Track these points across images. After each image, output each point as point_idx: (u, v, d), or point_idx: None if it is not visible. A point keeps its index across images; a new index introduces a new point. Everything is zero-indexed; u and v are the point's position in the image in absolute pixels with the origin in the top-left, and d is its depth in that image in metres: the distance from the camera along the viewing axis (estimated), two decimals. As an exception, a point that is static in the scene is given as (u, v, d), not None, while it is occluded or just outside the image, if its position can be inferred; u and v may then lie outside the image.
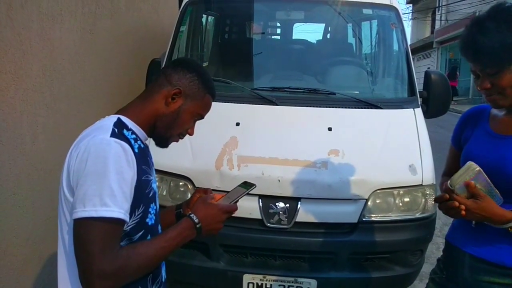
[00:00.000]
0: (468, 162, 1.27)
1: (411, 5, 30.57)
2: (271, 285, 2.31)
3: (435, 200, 1.34)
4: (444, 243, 1.55)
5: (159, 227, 1.23)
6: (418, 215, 2.39)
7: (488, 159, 1.29)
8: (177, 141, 1.27)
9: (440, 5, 25.23)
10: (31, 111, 2.28)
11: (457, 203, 1.25)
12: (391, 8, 3.19)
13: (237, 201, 1.27)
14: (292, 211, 2.30)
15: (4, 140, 2.06)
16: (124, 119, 1.15)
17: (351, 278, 2.35)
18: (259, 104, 2.66)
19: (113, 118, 1.14)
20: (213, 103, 2.96)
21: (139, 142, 1.14)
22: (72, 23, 2.66)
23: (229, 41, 4.00)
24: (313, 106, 2.67)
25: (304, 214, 2.31)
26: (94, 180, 0.99)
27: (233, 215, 2.42)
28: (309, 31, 4.65)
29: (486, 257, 1.33)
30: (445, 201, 1.29)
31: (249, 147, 2.42)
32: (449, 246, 1.50)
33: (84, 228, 0.98)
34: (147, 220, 1.13)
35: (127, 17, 3.59)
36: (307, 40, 4.05)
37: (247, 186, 1.34)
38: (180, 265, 2.38)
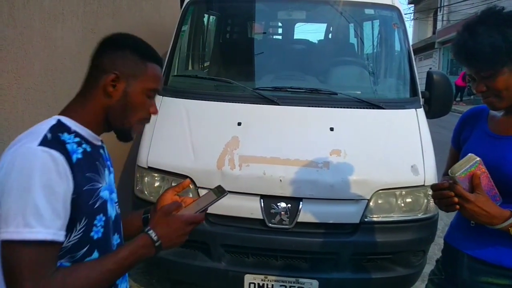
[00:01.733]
0: (468, 154, 1.26)
1: (413, 5, 30.53)
2: (272, 285, 2.31)
3: (432, 186, 1.32)
4: (443, 244, 1.54)
5: (114, 238, 1.09)
6: (420, 215, 2.38)
7: (487, 160, 1.28)
8: (141, 129, 1.13)
9: (442, 5, 25.19)
10: (33, 110, 2.28)
11: (451, 193, 1.23)
12: (393, 8, 3.18)
13: (206, 209, 1.13)
14: (293, 211, 2.30)
15: (5, 139, 2.06)
16: (66, 120, 1.01)
17: (353, 278, 2.35)
18: (260, 104, 2.65)
19: (52, 120, 0.99)
20: (215, 103, 2.94)
21: (84, 145, 1.01)
22: (74, 22, 2.66)
23: (230, 40, 4.00)
24: (315, 106, 2.66)
25: (306, 214, 2.30)
26: (17, 196, 0.87)
27: (234, 215, 2.43)
28: (310, 31, 4.65)
29: (485, 258, 1.33)
30: (441, 190, 1.26)
31: (251, 147, 2.42)
32: (448, 247, 1.49)
33: (8, 252, 0.86)
34: (92, 234, 0.99)
35: (129, 16, 3.58)
36: (308, 40, 4.04)
37: (219, 193, 1.17)
38: (181, 265, 2.38)
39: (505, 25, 1.24)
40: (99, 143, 1.10)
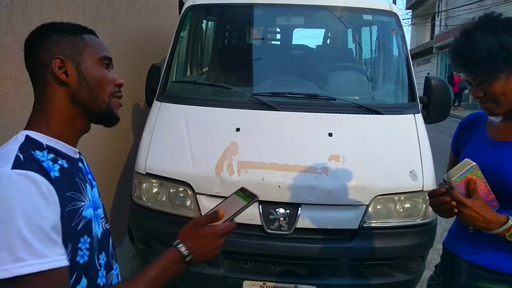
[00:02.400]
0: (464, 159, 1.27)
1: (411, 10, 30.70)
2: (271, 291, 2.30)
3: (429, 193, 1.32)
4: (442, 249, 1.54)
5: (101, 257, 1.00)
6: (419, 221, 2.38)
7: (485, 165, 1.29)
8: (120, 105, 1.02)
9: (440, 10, 25.33)
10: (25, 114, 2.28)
11: (449, 198, 1.23)
12: (391, 14, 3.20)
13: (236, 216, 1.01)
14: (292, 217, 2.29)
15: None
16: (35, 135, 0.90)
17: (352, 284, 2.34)
18: (259, 109, 2.66)
19: (20, 137, 0.88)
20: (213, 109, 2.93)
21: (60, 161, 0.90)
22: (73, 29, 2.67)
23: (229, 46, 4.01)
24: (314, 112, 2.66)
25: (305, 220, 2.30)
26: None
27: (233, 221, 2.41)
28: (309, 37, 4.66)
29: (483, 263, 1.33)
30: (438, 196, 1.27)
31: (249, 153, 2.42)
32: (447, 252, 1.50)
33: None
34: (78, 259, 0.89)
35: (128, 22, 3.60)
36: (307, 46, 4.06)
37: (246, 196, 1.06)
38: (179, 271, 2.36)
39: (502, 32, 1.25)
40: (77, 156, 1.00)
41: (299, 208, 2.30)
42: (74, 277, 0.88)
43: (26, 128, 0.92)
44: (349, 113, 2.68)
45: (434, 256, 3.16)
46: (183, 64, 3.43)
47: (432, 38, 27.34)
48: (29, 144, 0.87)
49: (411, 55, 3.16)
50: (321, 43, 4.19)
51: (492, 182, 1.28)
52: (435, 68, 25.03)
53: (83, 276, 0.91)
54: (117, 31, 3.33)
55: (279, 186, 2.29)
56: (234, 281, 2.33)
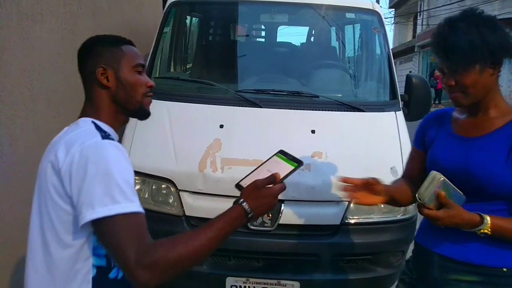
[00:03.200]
0: (431, 173, 1.29)
1: (394, 9, 31.08)
2: (254, 287, 2.31)
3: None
4: (414, 244, 1.58)
5: None
6: (399, 216, 2.42)
7: (453, 161, 1.33)
8: (150, 102, 1.24)
9: (422, 10, 25.72)
10: (9, 112, 2.23)
11: (430, 214, 1.28)
12: (374, 13, 3.23)
13: (286, 179, 1.14)
14: (275, 213, 2.31)
15: (-20, 141, 2.01)
16: (96, 121, 1.15)
17: (334, 279, 2.37)
18: (243, 106, 2.66)
19: (88, 121, 1.13)
20: (197, 105, 2.92)
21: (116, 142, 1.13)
22: (53, 22, 2.62)
23: (213, 43, 3.99)
24: (297, 109, 2.68)
25: (287, 216, 2.31)
26: (99, 181, 0.97)
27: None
28: (293, 34, 4.68)
29: (454, 256, 1.37)
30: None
31: (233, 149, 2.42)
32: (419, 247, 1.53)
33: (105, 228, 0.96)
34: None
35: (110, 17, 3.54)
36: (291, 43, 4.07)
37: (290, 160, 1.17)
38: (162, 268, 2.35)
39: (484, 26, 1.29)
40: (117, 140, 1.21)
41: (282, 204, 2.31)
42: None
43: (83, 115, 1.17)
44: (331, 110, 2.70)
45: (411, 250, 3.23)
46: (167, 60, 3.40)
47: (414, 37, 27.76)
48: (98, 128, 1.11)
49: (393, 53, 3.21)
50: (305, 41, 4.21)
51: (461, 177, 1.32)
52: (417, 66, 25.43)
53: None
54: (99, 26, 3.28)
55: (263, 183, 2.29)
56: (217, 278, 2.33)
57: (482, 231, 1.25)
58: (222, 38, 4.02)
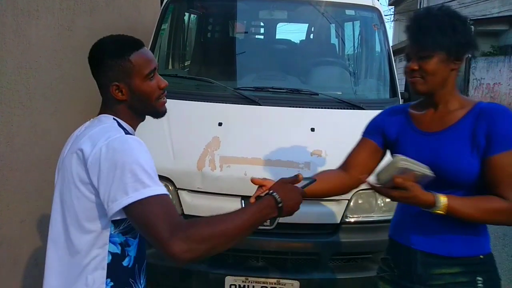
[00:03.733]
0: (395, 157, 1.29)
1: (393, 7, 31.03)
2: (253, 286, 2.29)
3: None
4: (389, 241, 1.58)
5: None
6: (399, 215, 2.41)
7: (423, 157, 1.34)
8: (165, 102, 1.28)
9: (422, 7, 25.67)
10: (6, 110, 2.20)
11: (383, 192, 1.32)
12: (374, 9, 3.21)
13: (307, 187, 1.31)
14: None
15: (-24, 140, 1.99)
16: (117, 118, 1.19)
17: (334, 278, 2.35)
18: (242, 104, 2.64)
19: (110, 118, 1.19)
20: (195, 103, 2.89)
21: None
22: (50, 19, 2.58)
23: (211, 40, 3.96)
24: (296, 107, 2.66)
25: (287, 215, 2.29)
26: (129, 170, 1.03)
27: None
28: (292, 31, 4.65)
29: (436, 252, 1.41)
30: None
31: (232, 148, 2.40)
32: (396, 245, 1.52)
33: (139, 211, 1.01)
34: None
35: (107, 13, 3.51)
36: (290, 40, 4.04)
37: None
38: (161, 267, 2.33)
39: (459, 20, 1.37)
40: None
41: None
42: None
43: (103, 112, 1.21)
44: (331, 108, 2.68)
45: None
46: (165, 57, 3.37)
47: (413, 34, 27.65)
48: (120, 125, 1.16)
49: (393, 51, 3.18)
50: (304, 38, 4.18)
51: (444, 174, 1.34)
52: (416, 64, 25.37)
53: None
54: (96, 22, 3.24)
55: (262, 181, 2.27)
56: (216, 277, 2.31)
57: (436, 212, 1.29)
58: (221, 35, 3.99)
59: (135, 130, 1.26)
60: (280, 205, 1.15)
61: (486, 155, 1.32)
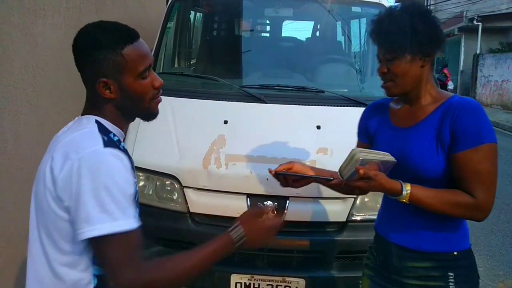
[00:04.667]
0: (351, 151, 1.31)
1: (400, 4, 30.78)
2: (259, 284, 2.29)
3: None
4: (375, 232, 1.63)
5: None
6: (406, 213, 2.39)
7: (393, 152, 1.36)
8: (159, 102, 1.14)
9: (428, 4, 25.46)
10: (13, 108, 2.22)
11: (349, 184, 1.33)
12: (380, 6, 3.18)
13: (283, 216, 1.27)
14: (280, 210, 2.28)
15: (-16, 138, 2.00)
16: (101, 120, 1.06)
17: (340, 277, 2.34)
18: (247, 102, 2.63)
19: (91, 120, 1.05)
20: (201, 101, 2.89)
21: (122, 144, 1.07)
22: (56, 18, 2.60)
23: (217, 38, 3.96)
24: (302, 104, 2.65)
25: (293, 213, 2.29)
26: (97, 196, 0.93)
27: (220, 214, 2.40)
28: (298, 29, 4.63)
29: (408, 245, 1.43)
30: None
31: (237, 146, 2.39)
32: (378, 236, 1.58)
33: (102, 246, 0.95)
34: None
35: (113, 12, 3.52)
36: (296, 38, 4.03)
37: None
38: (167, 265, 2.34)
39: (418, 16, 1.35)
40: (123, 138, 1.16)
41: (287, 201, 2.29)
42: None
43: (87, 112, 1.08)
44: (337, 105, 2.66)
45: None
46: (170, 55, 3.37)
47: (420, 31, 27.44)
48: (102, 128, 1.04)
49: (399, 48, 3.15)
50: (310, 36, 4.16)
51: (401, 167, 1.35)
52: (423, 61, 25.17)
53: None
54: (102, 21, 3.26)
55: (267, 179, 2.27)
56: (222, 275, 2.31)
57: (401, 200, 1.31)
58: (226, 33, 3.98)
59: (125, 129, 1.14)
60: (242, 240, 1.11)
61: (451, 152, 1.32)
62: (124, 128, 1.14)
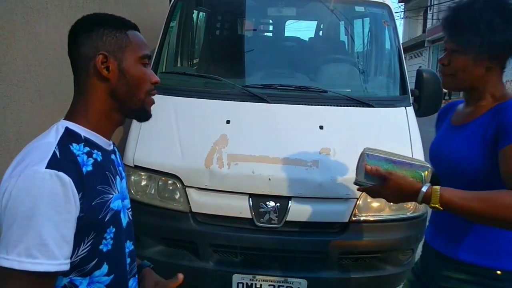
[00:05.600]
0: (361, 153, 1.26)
1: (403, 3, 30.70)
2: (261, 285, 2.28)
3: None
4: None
5: (127, 245, 1.07)
6: (409, 214, 2.38)
7: (442, 150, 1.34)
8: (153, 102, 1.06)
9: (432, 4, 25.37)
10: (15, 107, 2.22)
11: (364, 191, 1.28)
12: (384, 6, 3.17)
13: None
14: (282, 210, 2.28)
15: (-14, 137, 2.00)
16: (74, 126, 0.96)
17: (342, 278, 2.33)
18: (250, 101, 2.62)
19: (60, 129, 0.94)
20: (203, 100, 2.89)
21: (95, 154, 0.96)
22: (59, 17, 2.60)
23: (220, 37, 3.96)
24: (305, 104, 2.64)
25: (295, 213, 2.28)
26: (20, 224, 0.82)
27: (222, 214, 2.40)
28: (301, 29, 4.62)
29: (445, 252, 1.34)
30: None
31: (240, 145, 2.39)
32: (424, 241, 1.54)
33: (4, 280, 0.82)
34: (101, 247, 0.95)
35: (116, 11, 3.50)
36: (299, 38, 4.01)
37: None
38: (168, 265, 2.34)
39: (499, 13, 1.22)
40: (110, 148, 1.05)
41: (290, 201, 2.28)
42: (94, 262, 0.94)
43: (65, 118, 0.98)
44: (340, 105, 2.65)
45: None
46: (173, 55, 3.37)
47: (424, 31, 27.42)
48: (68, 137, 0.93)
49: (403, 48, 3.14)
50: (313, 35, 4.15)
51: (446, 164, 1.30)
52: (426, 61, 25.14)
53: (105, 263, 0.97)
54: (105, 20, 3.26)
55: (270, 179, 2.27)
56: (224, 275, 2.31)
57: (431, 205, 1.15)
58: (229, 33, 3.98)
59: (109, 136, 1.02)
60: None
61: (495, 151, 1.20)
62: (110, 132, 1.03)
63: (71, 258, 0.89)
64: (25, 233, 0.82)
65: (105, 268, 0.97)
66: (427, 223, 1.58)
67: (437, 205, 1.13)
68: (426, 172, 1.21)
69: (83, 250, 0.92)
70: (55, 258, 0.84)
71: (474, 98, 1.33)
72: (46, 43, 2.46)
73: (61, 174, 0.86)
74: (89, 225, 0.91)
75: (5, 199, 0.85)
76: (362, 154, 1.23)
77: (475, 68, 1.26)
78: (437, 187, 1.14)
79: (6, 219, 0.84)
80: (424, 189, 1.14)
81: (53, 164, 0.86)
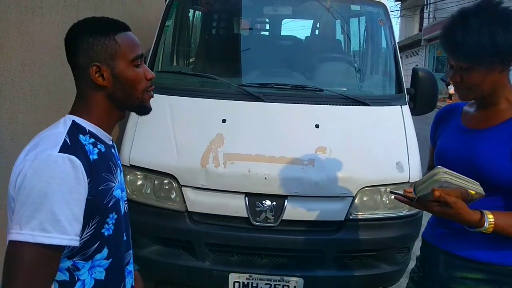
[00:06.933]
0: (435, 170, 1.21)
1: (400, 2, 30.76)
2: (257, 284, 2.29)
3: (395, 196, 1.33)
4: (421, 241, 1.56)
5: (125, 236, 1.14)
6: (405, 212, 2.39)
7: (459, 153, 1.31)
8: (151, 96, 1.12)
9: (428, 2, 25.44)
10: (10, 107, 2.21)
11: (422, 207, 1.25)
12: (379, 5, 3.17)
13: None
14: (278, 209, 2.28)
15: (-20, 136, 1.99)
16: (80, 120, 1.04)
17: (338, 276, 2.34)
18: (246, 100, 2.62)
19: (68, 121, 1.03)
20: (199, 99, 2.88)
21: (99, 145, 1.04)
22: (54, 16, 2.58)
23: (216, 36, 3.95)
24: (301, 103, 2.64)
25: (291, 212, 2.28)
26: (34, 202, 0.89)
27: (219, 213, 2.40)
28: (297, 28, 4.62)
29: (460, 253, 1.34)
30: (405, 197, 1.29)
31: (236, 144, 2.39)
32: (426, 243, 1.51)
33: (16, 253, 0.88)
34: (103, 231, 1.03)
35: (111, 10, 3.50)
36: (295, 36, 4.01)
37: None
38: (165, 264, 2.34)
39: (497, 23, 1.23)
40: (110, 143, 1.12)
41: (286, 200, 2.28)
42: (96, 245, 1.01)
43: (71, 113, 1.06)
44: (336, 104, 2.66)
45: (419, 247, 3.19)
46: (169, 54, 3.36)
47: (420, 30, 27.49)
48: (75, 128, 1.01)
49: (399, 47, 3.15)
50: (309, 34, 4.15)
51: (466, 168, 1.28)
52: (423, 60, 25.21)
53: (106, 247, 1.04)
54: (100, 19, 3.24)
55: (266, 178, 2.27)
56: (220, 274, 2.31)
57: (481, 230, 1.22)
58: (225, 32, 3.97)
59: (110, 130, 1.10)
60: None
61: None
62: (111, 127, 1.11)
63: None
64: (38, 209, 0.89)
65: (105, 251, 1.04)
66: (423, 222, 1.58)
67: (487, 232, 1.21)
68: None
69: (87, 233, 0.98)
70: (67, 233, 0.91)
71: (488, 102, 1.34)
72: (41, 42, 2.45)
73: (73, 157, 0.94)
74: (95, 208, 0.99)
75: (19, 180, 0.92)
76: (436, 175, 1.17)
77: (489, 77, 1.27)
78: (491, 216, 1.20)
79: (20, 198, 0.91)
80: (486, 224, 1.20)
81: (65, 149, 0.94)
